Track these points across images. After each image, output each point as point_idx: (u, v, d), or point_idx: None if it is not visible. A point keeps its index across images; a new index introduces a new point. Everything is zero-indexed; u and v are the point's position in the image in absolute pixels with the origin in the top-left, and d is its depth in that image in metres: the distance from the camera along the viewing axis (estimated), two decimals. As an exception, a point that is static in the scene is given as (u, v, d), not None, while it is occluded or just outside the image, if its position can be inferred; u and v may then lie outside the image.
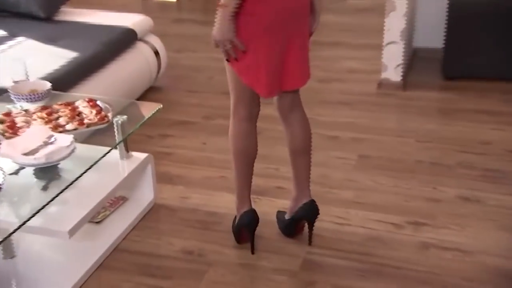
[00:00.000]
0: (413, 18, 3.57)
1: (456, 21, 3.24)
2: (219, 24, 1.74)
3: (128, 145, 2.27)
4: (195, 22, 4.66)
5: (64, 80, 2.55)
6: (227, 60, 1.84)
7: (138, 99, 3.15)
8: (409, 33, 3.41)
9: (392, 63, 3.29)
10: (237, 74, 1.85)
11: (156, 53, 3.36)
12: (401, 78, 3.31)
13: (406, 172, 2.54)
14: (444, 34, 3.33)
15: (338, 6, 4.81)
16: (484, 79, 3.35)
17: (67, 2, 3.27)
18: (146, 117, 2.27)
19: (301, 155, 2.04)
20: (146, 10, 4.91)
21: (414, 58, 3.71)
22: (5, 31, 2.93)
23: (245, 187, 2.04)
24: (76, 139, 2.07)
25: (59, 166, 1.92)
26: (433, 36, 3.58)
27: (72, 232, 1.87)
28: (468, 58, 3.31)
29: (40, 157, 1.81)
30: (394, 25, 3.19)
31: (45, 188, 1.86)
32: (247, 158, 1.99)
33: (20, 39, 2.86)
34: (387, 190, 2.42)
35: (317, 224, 2.12)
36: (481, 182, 2.44)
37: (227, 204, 2.34)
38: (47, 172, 1.90)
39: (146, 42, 3.34)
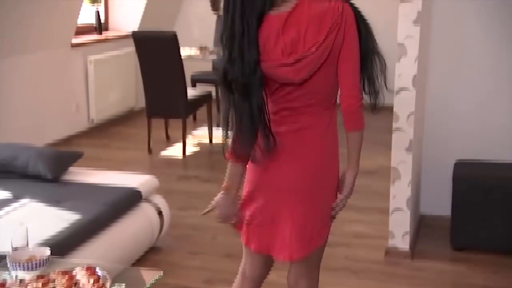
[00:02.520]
0: (418, 185, 3.67)
1: (461, 193, 3.33)
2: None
3: (123, 315, 2.21)
4: (200, 179, 4.80)
5: (64, 244, 2.57)
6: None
7: (137, 260, 3.14)
8: (415, 200, 3.49)
9: (399, 231, 3.31)
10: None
11: (160, 213, 3.42)
12: (408, 246, 3.32)
13: None
14: (450, 203, 3.40)
15: (342, 167, 4.97)
16: (494, 252, 3.33)
17: (76, 163, 3.40)
18: (146, 286, 2.24)
19: None
20: (153, 166, 5.09)
21: (421, 225, 3.74)
22: (10, 193, 3.02)
23: None
24: (69, 312, 2.02)
25: None
26: (440, 203, 3.65)
27: None
28: (476, 230, 3.33)
29: (30, 335, 1.76)
30: (399, 193, 3.28)
31: None
32: None
33: (24, 201, 2.94)
34: None
35: None
36: None
37: None
38: None
39: (150, 202, 3.40)
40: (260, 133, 1.82)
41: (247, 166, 1.95)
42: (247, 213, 1.98)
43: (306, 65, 1.77)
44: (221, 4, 1.83)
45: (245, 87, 1.76)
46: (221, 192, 1.97)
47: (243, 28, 1.74)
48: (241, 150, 1.84)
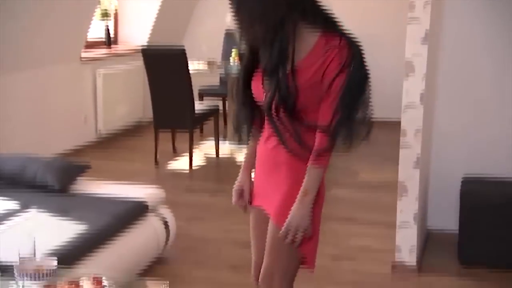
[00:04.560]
0: (426, 200, 3.64)
1: (469, 209, 3.30)
2: (302, 211, 1.84)
3: (129, 327, 2.19)
4: (206, 191, 4.79)
5: (71, 255, 2.55)
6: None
7: (143, 271, 3.12)
8: (422, 215, 3.45)
9: (405, 245, 3.28)
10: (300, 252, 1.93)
11: (166, 224, 3.40)
12: (415, 261, 3.28)
13: None
14: (457, 219, 3.37)
15: (350, 181, 4.95)
16: (502, 268, 3.29)
17: (83, 174, 3.40)
18: (151, 298, 2.22)
19: None
20: (160, 178, 5.08)
21: (428, 240, 3.70)
22: (18, 203, 3.01)
23: None
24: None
25: None
26: (447, 219, 3.61)
27: None
28: (483, 246, 3.30)
29: None
30: (406, 207, 3.25)
31: None
32: None
33: (31, 211, 2.92)
34: None
35: None
36: None
37: None
38: None
39: (156, 213, 3.39)
40: None
41: None
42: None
43: None
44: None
45: None
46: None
47: None
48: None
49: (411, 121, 3.20)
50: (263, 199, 2.01)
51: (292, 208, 1.85)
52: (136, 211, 3.19)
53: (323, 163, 1.86)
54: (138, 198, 3.26)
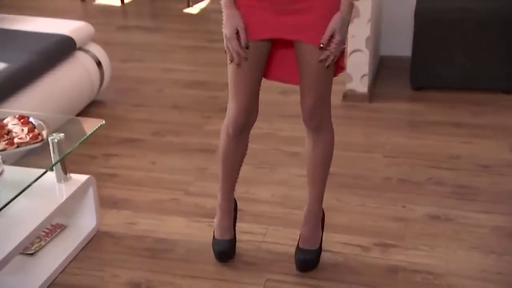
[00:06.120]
0: (379, 25, 3.69)
1: (423, 29, 3.36)
2: (348, 21, 1.93)
3: (67, 166, 2.26)
4: (142, 29, 4.68)
5: (-9, 95, 2.53)
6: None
7: (78, 115, 3.14)
8: (375, 40, 3.52)
9: (357, 73, 3.38)
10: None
11: (99, 63, 3.36)
12: (367, 89, 3.41)
13: (373, 190, 2.60)
14: (411, 43, 3.45)
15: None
16: (453, 90, 3.48)
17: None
18: (87, 134, 2.26)
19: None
20: (87, 16, 4.90)
21: (381, 67, 3.82)
22: None
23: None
24: (5, 161, 2.05)
25: (-15, 191, 1.90)
26: (401, 44, 3.70)
27: (1, 265, 1.84)
28: (436, 68, 3.44)
29: (-36, 182, 1.79)
30: (358, 32, 3.29)
31: (-31, 217, 1.83)
32: None
33: None
34: (353, 209, 2.48)
35: (277, 248, 2.17)
36: (451, 199, 2.53)
37: (178, 230, 2.35)
38: (-28, 199, 1.87)
39: (86, 51, 3.33)
40: None
41: None
42: None
43: None
44: None
45: None
46: None
47: None
48: None
49: None
50: (281, 30, 1.92)
51: (338, 16, 1.87)
52: (61, 48, 3.11)
53: None
54: (62, 33, 3.17)
